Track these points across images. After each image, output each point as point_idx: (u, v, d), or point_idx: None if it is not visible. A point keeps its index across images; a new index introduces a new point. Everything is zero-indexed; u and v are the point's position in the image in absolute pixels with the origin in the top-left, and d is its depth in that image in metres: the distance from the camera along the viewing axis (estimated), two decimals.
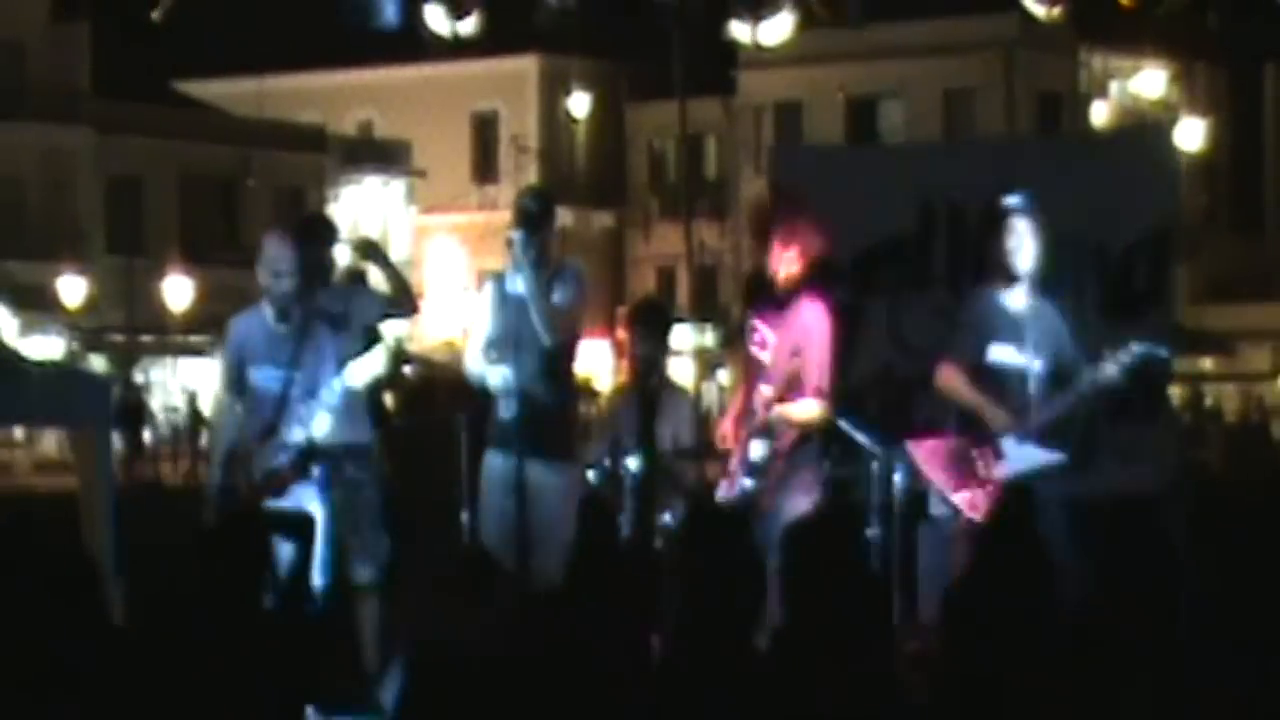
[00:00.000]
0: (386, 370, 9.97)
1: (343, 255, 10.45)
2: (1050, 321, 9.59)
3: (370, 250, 10.81)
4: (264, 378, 9.79)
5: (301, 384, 9.69)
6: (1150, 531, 10.42)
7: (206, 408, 44.72)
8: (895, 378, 11.28)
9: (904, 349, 11.32)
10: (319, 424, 9.61)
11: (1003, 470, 9.53)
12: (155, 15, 9.59)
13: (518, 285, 9.91)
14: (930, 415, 10.88)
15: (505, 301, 9.99)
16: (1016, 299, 9.63)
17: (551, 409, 9.87)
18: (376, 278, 10.68)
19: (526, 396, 9.75)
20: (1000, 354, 9.59)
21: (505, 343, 9.89)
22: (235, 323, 10.07)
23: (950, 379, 9.70)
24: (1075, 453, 9.53)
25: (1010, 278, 9.62)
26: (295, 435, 9.63)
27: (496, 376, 9.80)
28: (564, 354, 10.02)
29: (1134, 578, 10.08)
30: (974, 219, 11.28)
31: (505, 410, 9.78)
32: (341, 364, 9.80)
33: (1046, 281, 9.65)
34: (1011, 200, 9.73)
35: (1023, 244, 9.63)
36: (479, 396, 10.18)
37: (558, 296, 9.91)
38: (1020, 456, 9.51)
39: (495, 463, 9.89)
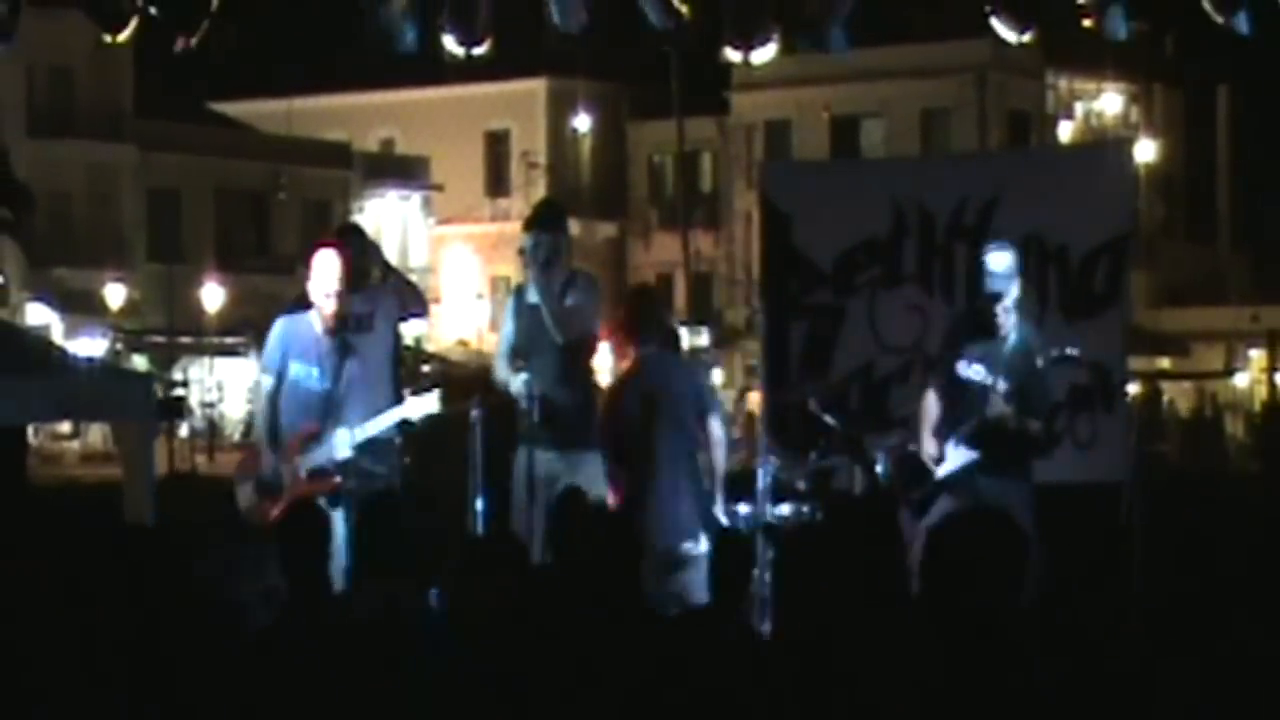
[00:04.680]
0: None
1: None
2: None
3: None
4: (307, 377, 9.79)
5: (345, 394, 9.70)
6: (1109, 516, 10.42)
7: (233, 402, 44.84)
8: (874, 373, 11.29)
9: (882, 346, 11.34)
10: (361, 437, 9.64)
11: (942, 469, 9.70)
12: (192, 42, 9.57)
13: (532, 293, 9.94)
14: (905, 408, 10.90)
15: (523, 311, 10.02)
16: None
17: (570, 406, 9.86)
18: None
19: (546, 396, 9.76)
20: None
21: (524, 348, 9.92)
22: (283, 319, 10.07)
23: None
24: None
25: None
26: (339, 442, 9.64)
27: (517, 383, 9.81)
28: (580, 353, 10.00)
29: (1095, 559, 10.09)
30: (943, 222, 11.31)
31: (527, 411, 9.79)
32: (373, 364, 9.83)
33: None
34: None
35: None
36: (493, 393, 10.18)
37: (571, 300, 9.92)
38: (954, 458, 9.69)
39: (522, 458, 9.90)
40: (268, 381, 9.92)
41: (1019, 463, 9.61)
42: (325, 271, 9.81)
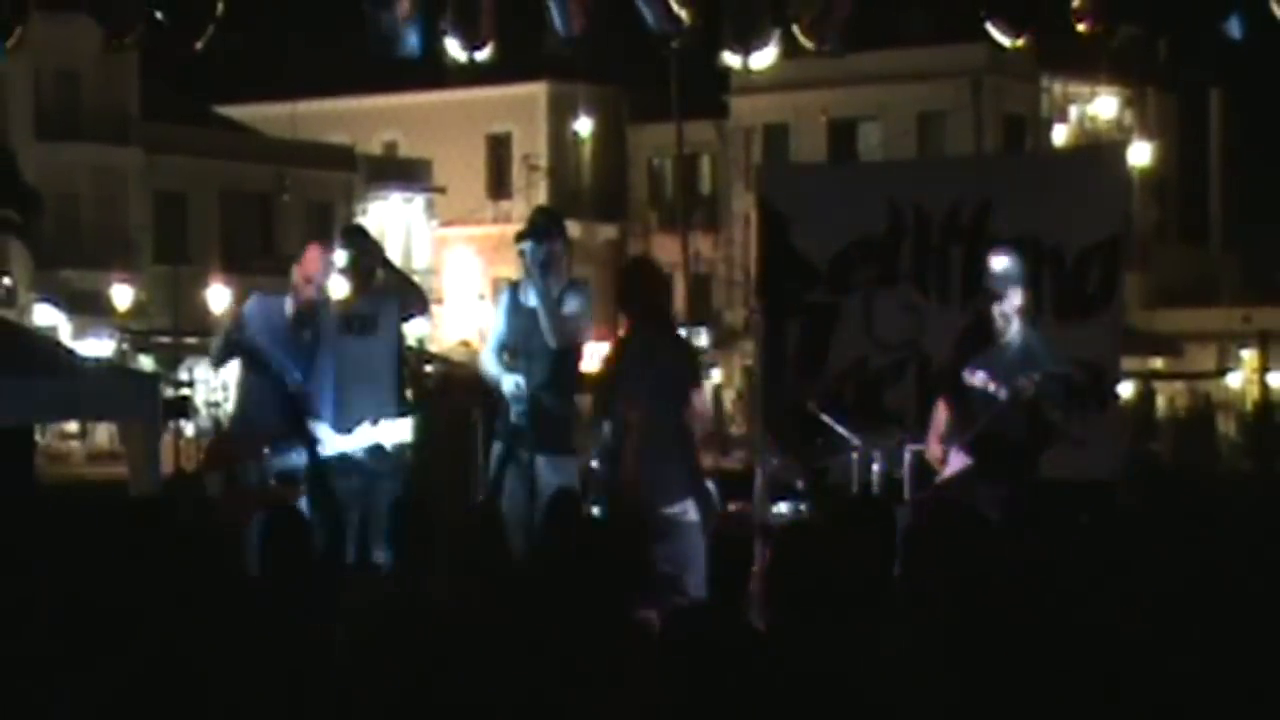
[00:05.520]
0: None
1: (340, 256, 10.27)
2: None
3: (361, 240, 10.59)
4: (276, 362, 9.72)
5: (315, 395, 9.66)
6: (1106, 512, 10.42)
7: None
8: (868, 369, 11.30)
9: (876, 342, 11.34)
10: (331, 443, 9.60)
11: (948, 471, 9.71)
12: (198, 46, 9.59)
13: (530, 296, 9.93)
14: (899, 405, 10.91)
15: (518, 310, 10.01)
16: None
17: (555, 409, 9.87)
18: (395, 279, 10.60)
19: (534, 398, 9.76)
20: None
21: (517, 348, 9.90)
22: (255, 298, 10.03)
23: None
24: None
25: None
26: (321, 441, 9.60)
27: (509, 384, 9.81)
28: (569, 359, 10.01)
29: (1091, 555, 10.07)
30: (938, 222, 11.31)
31: (515, 412, 9.80)
32: (377, 365, 9.81)
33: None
34: None
35: None
36: (491, 393, 10.18)
37: (568, 307, 9.92)
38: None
39: (501, 453, 9.90)
40: (218, 342, 9.90)
41: (1017, 467, 9.60)
42: (313, 261, 9.79)
